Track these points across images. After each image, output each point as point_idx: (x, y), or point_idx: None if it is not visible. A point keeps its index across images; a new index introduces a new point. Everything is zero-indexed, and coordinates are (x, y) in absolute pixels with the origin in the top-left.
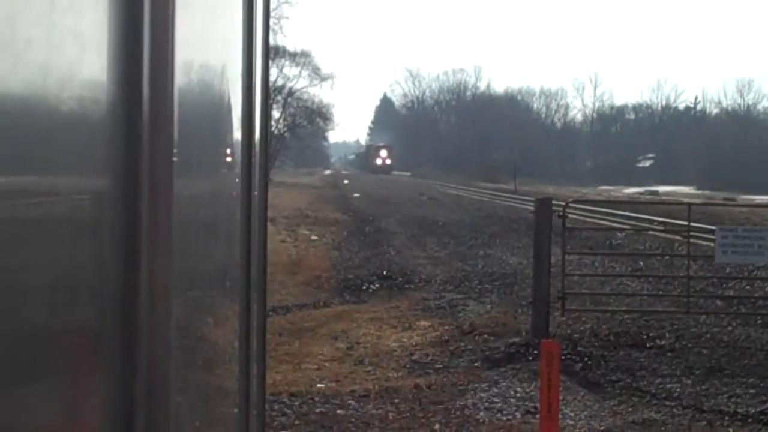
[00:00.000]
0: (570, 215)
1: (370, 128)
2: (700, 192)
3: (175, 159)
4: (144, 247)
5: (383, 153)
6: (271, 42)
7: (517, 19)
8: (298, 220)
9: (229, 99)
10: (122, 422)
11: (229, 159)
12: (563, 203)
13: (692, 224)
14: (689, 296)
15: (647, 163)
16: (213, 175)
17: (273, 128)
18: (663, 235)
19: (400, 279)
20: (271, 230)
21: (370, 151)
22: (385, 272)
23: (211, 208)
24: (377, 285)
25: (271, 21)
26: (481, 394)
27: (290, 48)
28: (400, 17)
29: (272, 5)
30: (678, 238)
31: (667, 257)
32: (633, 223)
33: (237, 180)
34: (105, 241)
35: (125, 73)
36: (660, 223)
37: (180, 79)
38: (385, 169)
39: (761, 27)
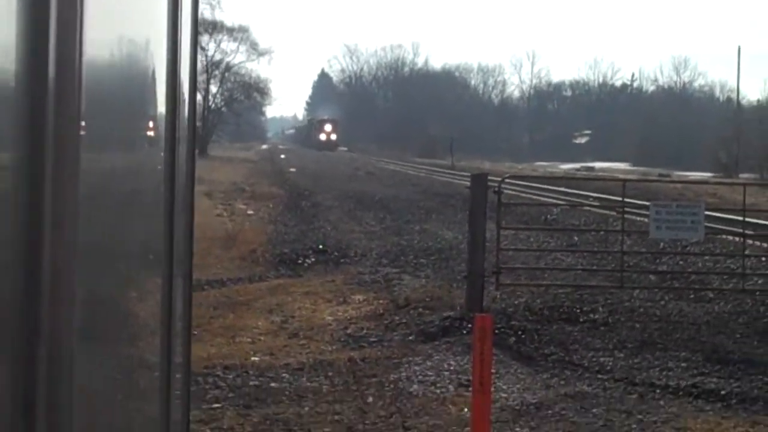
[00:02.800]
0: (506, 191)
1: (307, 103)
2: (635, 168)
3: (82, 133)
4: (47, 222)
5: (328, 127)
6: (209, 17)
7: None
8: (234, 194)
9: (152, 73)
10: (22, 402)
11: (151, 133)
12: (499, 179)
13: (626, 200)
14: (622, 271)
15: (583, 140)
16: (131, 150)
17: (210, 103)
18: (598, 210)
19: (336, 253)
20: (208, 204)
21: (313, 125)
22: (320, 246)
23: (129, 182)
24: (313, 259)
25: None
26: (415, 368)
27: (228, 23)
28: None
29: None
30: (613, 213)
31: (602, 232)
32: (569, 198)
33: (161, 154)
34: (6, 215)
35: (30, 45)
36: (595, 198)
37: (90, 52)
38: (330, 145)
39: (698, 4)
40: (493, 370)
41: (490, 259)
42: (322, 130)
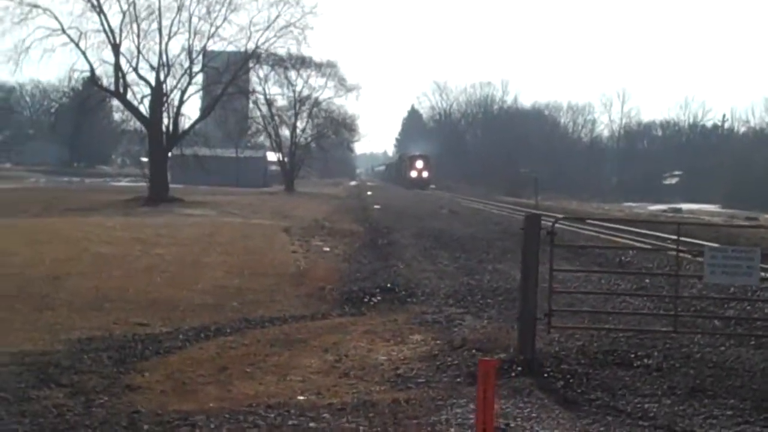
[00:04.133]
0: (585, 232)
1: (397, 140)
2: (723, 211)
3: None
4: None
5: (419, 164)
6: (296, 52)
7: (545, 34)
8: (313, 230)
9: None
10: None
11: None
12: (553, 219)
13: (690, 241)
14: (677, 315)
15: (673, 181)
16: None
17: (298, 138)
18: (672, 253)
19: (404, 292)
20: (284, 240)
21: (404, 161)
22: (388, 285)
23: None
24: (379, 298)
25: (296, 31)
26: (457, 410)
27: (316, 58)
28: (428, 29)
29: (297, 16)
30: (688, 257)
31: (660, 276)
32: (644, 240)
33: None
34: None
35: None
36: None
37: None
38: (422, 182)
39: None
40: (534, 414)
41: (558, 300)
42: (413, 167)
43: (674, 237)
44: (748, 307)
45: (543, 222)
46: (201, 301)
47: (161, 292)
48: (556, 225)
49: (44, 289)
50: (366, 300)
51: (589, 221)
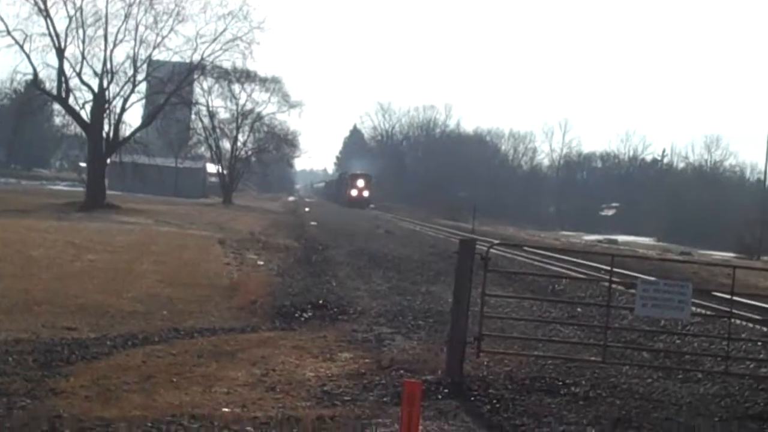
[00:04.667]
0: (520, 258)
1: (337, 158)
2: (658, 244)
3: None
4: None
5: (360, 183)
6: (241, 66)
7: (490, 60)
8: (248, 244)
9: None
10: None
11: None
12: (488, 245)
13: (614, 277)
14: (606, 345)
15: (610, 212)
16: None
17: (239, 151)
18: (605, 284)
19: (335, 309)
20: (219, 252)
21: (344, 179)
22: (320, 302)
23: None
24: (310, 314)
25: (242, 45)
26: (382, 429)
27: (261, 73)
28: (373, 49)
29: (244, 30)
30: (621, 288)
31: (590, 305)
32: (566, 269)
33: None
34: None
35: None
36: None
37: None
38: (361, 202)
39: (732, 84)
40: None
41: (489, 324)
42: (353, 186)
43: (608, 267)
44: (678, 341)
45: (478, 247)
46: (131, 309)
47: (91, 297)
48: (491, 250)
49: None
50: (297, 315)
51: (524, 248)
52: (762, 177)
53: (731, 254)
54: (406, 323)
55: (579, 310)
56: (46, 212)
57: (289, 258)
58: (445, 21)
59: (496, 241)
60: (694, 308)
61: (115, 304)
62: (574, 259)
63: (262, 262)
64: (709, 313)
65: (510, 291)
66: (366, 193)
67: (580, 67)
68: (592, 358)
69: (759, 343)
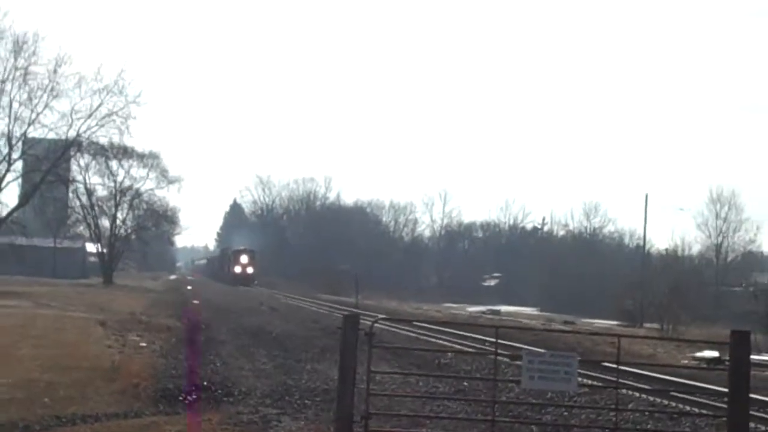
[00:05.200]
0: (405, 332)
1: (218, 234)
2: (541, 314)
3: None
4: None
5: (244, 259)
6: (118, 141)
7: (368, 132)
8: (129, 324)
9: None
10: None
11: None
12: (372, 320)
13: (489, 347)
14: (494, 420)
15: (492, 282)
16: None
17: (118, 229)
18: (491, 357)
19: (220, 391)
20: (100, 334)
21: (227, 255)
22: (204, 383)
23: None
24: (194, 396)
25: (118, 120)
26: None
27: (138, 149)
28: (253, 123)
29: (120, 105)
30: (506, 360)
31: (477, 379)
32: (451, 342)
33: None
34: None
35: None
36: (491, 344)
37: None
38: (246, 278)
39: (608, 151)
40: None
41: (376, 402)
42: (237, 262)
43: (493, 339)
44: (566, 413)
45: (363, 321)
46: (9, 396)
47: None
48: (379, 325)
49: None
50: (181, 398)
51: (412, 322)
52: (641, 243)
53: (614, 322)
54: (292, 403)
55: (465, 384)
56: None
57: (172, 338)
58: (320, 92)
59: (381, 316)
60: (580, 379)
61: None
62: (459, 332)
63: (144, 344)
64: (595, 383)
65: (396, 366)
66: (250, 270)
67: (458, 138)
68: None
69: (646, 413)
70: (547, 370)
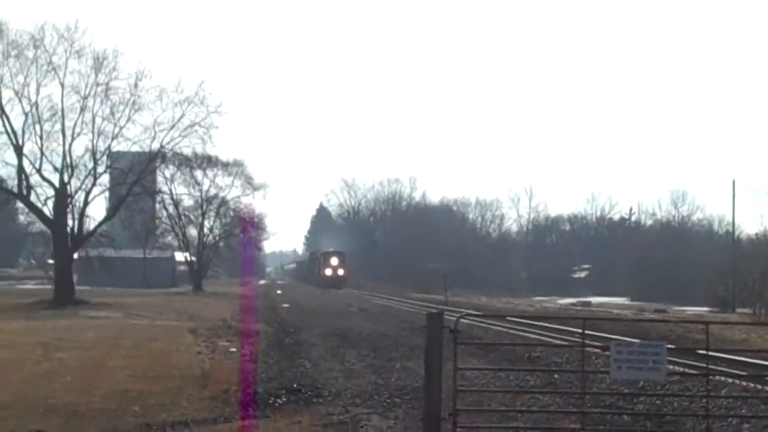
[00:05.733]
0: (495, 327)
1: (306, 238)
2: (633, 303)
3: None
4: None
5: (334, 261)
6: (202, 151)
7: (451, 130)
8: (219, 330)
9: None
10: None
11: None
12: (456, 316)
13: (586, 339)
14: (584, 412)
15: (582, 274)
16: None
17: (206, 237)
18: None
19: (310, 393)
20: (190, 341)
21: (316, 258)
22: (295, 386)
23: None
24: (284, 399)
25: (201, 131)
26: None
27: (222, 158)
28: (335, 126)
29: (201, 115)
30: (598, 351)
31: (567, 372)
32: (541, 335)
33: None
34: None
35: None
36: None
37: None
38: (337, 281)
39: (694, 138)
40: None
41: (465, 398)
42: (327, 264)
43: (581, 331)
44: (657, 402)
45: (448, 318)
46: (102, 406)
47: (61, 397)
48: (466, 321)
49: None
50: (271, 401)
51: (500, 317)
52: (730, 229)
53: (706, 309)
54: (382, 402)
55: (556, 376)
56: (14, 312)
57: (262, 343)
58: (403, 93)
59: (464, 312)
60: (672, 367)
61: (85, 402)
62: (549, 325)
63: (234, 349)
64: (687, 371)
65: (486, 362)
66: (341, 272)
67: (543, 132)
68: (572, 426)
69: (739, 399)
70: (635, 360)
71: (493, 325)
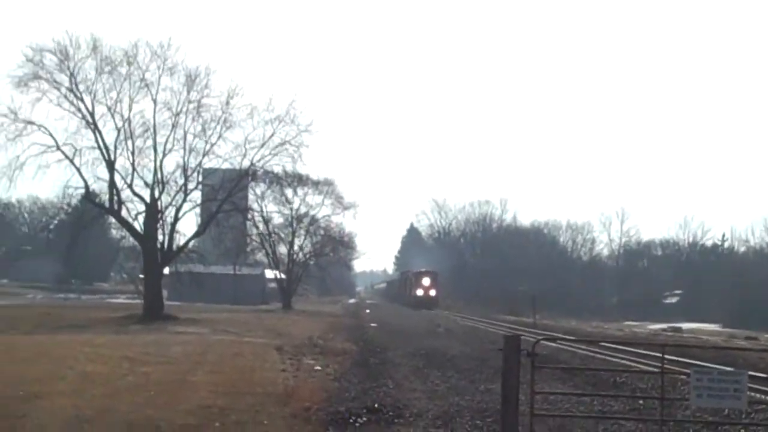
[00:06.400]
0: (581, 351)
1: (396, 258)
2: (724, 330)
3: None
4: None
5: (426, 281)
6: (292, 170)
7: (543, 153)
8: (305, 349)
9: None
10: None
11: None
12: (534, 340)
13: (666, 365)
14: None
15: (674, 300)
16: None
17: (296, 255)
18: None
19: (391, 413)
20: (275, 359)
21: (407, 278)
22: (376, 405)
23: None
24: (365, 419)
25: (291, 149)
26: None
27: (313, 176)
28: (426, 147)
29: (292, 134)
30: (683, 377)
31: (649, 398)
32: (627, 360)
33: None
34: None
35: None
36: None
37: None
38: (428, 301)
39: None
40: None
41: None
42: (419, 285)
43: (672, 357)
44: (742, 431)
45: (531, 340)
46: (183, 422)
47: (143, 412)
48: (553, 345)
49: (21, 410)
50: (352, 421)
51: (584, 341)
52: None
53: None
54: (463, 424)
55: (641, 402)
56: (104, 326)
57: (347, 361)
58: (495, 116)
59: (546, 335)
60: (758, 395)
61: (167, 417)
62: (636, 350)
63: (319, 367)
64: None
65: (571, 386)
66: (433, 292)
67: (635, 156)
68: None
69: None
70: (716, 388)
71: (580, 349)
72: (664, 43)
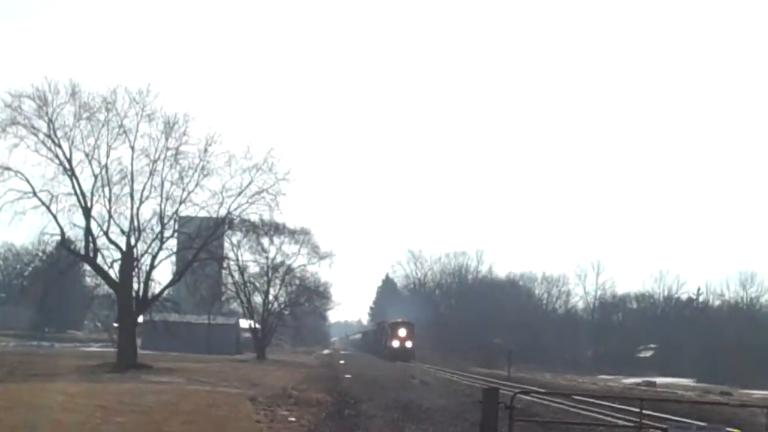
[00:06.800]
0: (555, 405)
1: (371, 308)
2: (698, 385)
3: None
4: None
5: (402, 332)
6: (269, 218)
7: (520, 205)
8: (280, 399)
9: None
10: None
11: None
12: (510, 393)
13: (644, 420)
14: None
15: (648, 353)
16: None
17: (271, 305)
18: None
19: None
20: (250, 409)
21: (383, 328)
22: None
23: None
24: None
25: (268, 197)
26: None
27: (289, 225)
28: (402, 197)
29: (269, 182)
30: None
31: None
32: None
33: None
34: None
35: None
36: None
37: None
38: (405, 353)
39: (765, 220)
40: None
41: None
42: (395, 336)
43: (647, 412)
44: None
45: (507, 393)
46: None
47: None
48: (527, 398)
49: None
50: None
51: (559, 394)
52: None
53: None
54: None
55: None
56: (78, 375)
57: (321, 413)
58: (470, 167)
59: (522, 388)
60: None
61: None
62: (610, 404)
63: (293, 419)
64: None
65: None
66: (409, 344)
67: (612, 209)
68: None
69: None
70: None
71: (554, 402)
72: (640, 97)
